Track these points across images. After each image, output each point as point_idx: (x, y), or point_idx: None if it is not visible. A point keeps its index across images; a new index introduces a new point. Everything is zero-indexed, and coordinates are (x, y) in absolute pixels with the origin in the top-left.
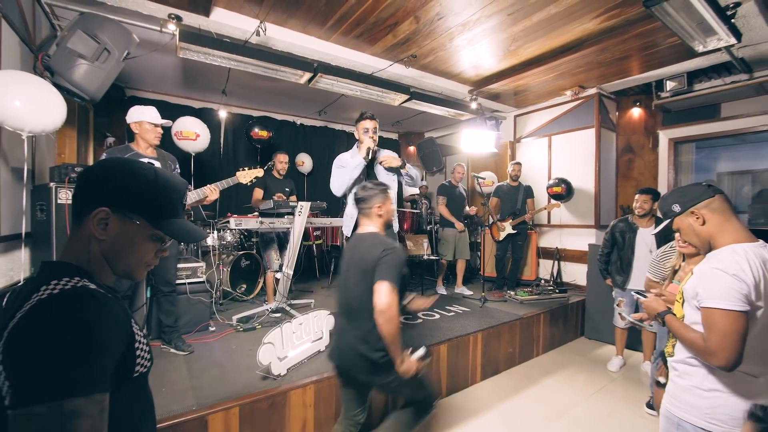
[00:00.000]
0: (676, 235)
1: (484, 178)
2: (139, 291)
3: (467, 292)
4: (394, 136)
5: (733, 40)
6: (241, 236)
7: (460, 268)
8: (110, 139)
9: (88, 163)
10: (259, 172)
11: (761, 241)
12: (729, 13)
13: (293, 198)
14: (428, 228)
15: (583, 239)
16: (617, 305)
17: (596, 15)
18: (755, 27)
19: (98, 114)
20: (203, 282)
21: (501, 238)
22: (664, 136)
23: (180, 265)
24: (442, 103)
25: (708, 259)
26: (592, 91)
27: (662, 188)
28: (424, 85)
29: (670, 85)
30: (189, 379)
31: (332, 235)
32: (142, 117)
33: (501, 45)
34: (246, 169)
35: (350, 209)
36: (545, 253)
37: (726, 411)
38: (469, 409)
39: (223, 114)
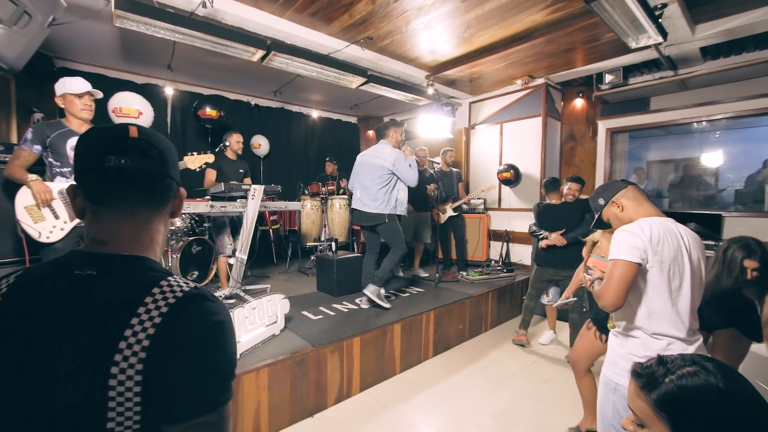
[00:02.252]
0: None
1: (438, 163)
2: None
3: (423, 273)
4: (353, 120)
5: (660, 39)
6: (192, 221)
7: (419, 250)
8: (37, 115)
9: (10, 140)
10: (209, 158)
11: (671, 219)
12: (657, 12)
13: (247, 180)
14: None
15: (530, 222)
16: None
17: (544, 7)
18: (679, 27)
19: (23, 87)
20: None
21: (443, 221)
22: (603, 126)
23: None
24: (400, 87)
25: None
26: (540, 81)
27: (599, 174)
28: (381, 69)
29: (608, 78)
30: None
31: (290, 220)
32: (65, 89)
33: (456, 31)
34: (195, 153)
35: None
36: (495, 235)
37: None
38: (420, 383)
39: (169, 91)
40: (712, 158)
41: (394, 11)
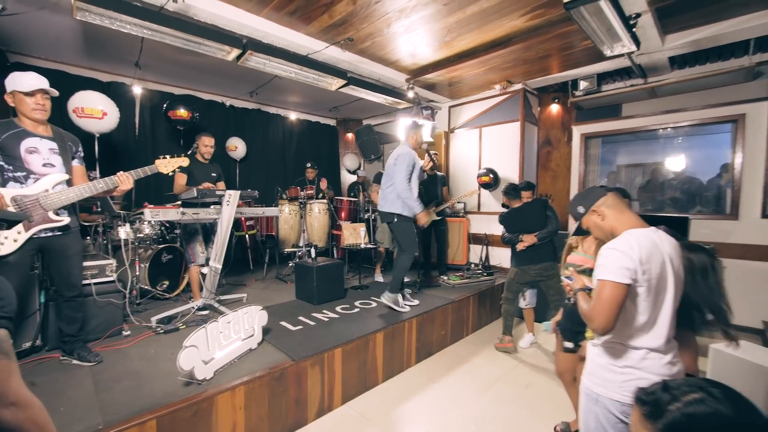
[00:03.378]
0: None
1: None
2: (30, 296)
3: (405, 279)
4: (332, 122)
5: (633, 47)
6: (162, 228)
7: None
8: None
9: None
10: (184, 161)
11: (653, 228)
12: (632, 22)
13: (221, 184)
14: (365, 216)
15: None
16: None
17: (523, 13)
18: (650, 37)
19: None
20: (113, 281)
21: (426, 225)
22: (577, 131)
23: (84, 264)
24: (380, 90)
25: (607, 243)
26: (518, 86)
27: (574, 178)
28: (361, 71)
29: (583, 84)
30: (95, 393)
31: (267, 225)
32: (14, 86)
33: (437, 35)
34: (168, 156)
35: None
36: (475, 239)
37: (637, 383)
38: (403, 393)
39: (137, 90)
40: (677, 163)
41: (375, 13)
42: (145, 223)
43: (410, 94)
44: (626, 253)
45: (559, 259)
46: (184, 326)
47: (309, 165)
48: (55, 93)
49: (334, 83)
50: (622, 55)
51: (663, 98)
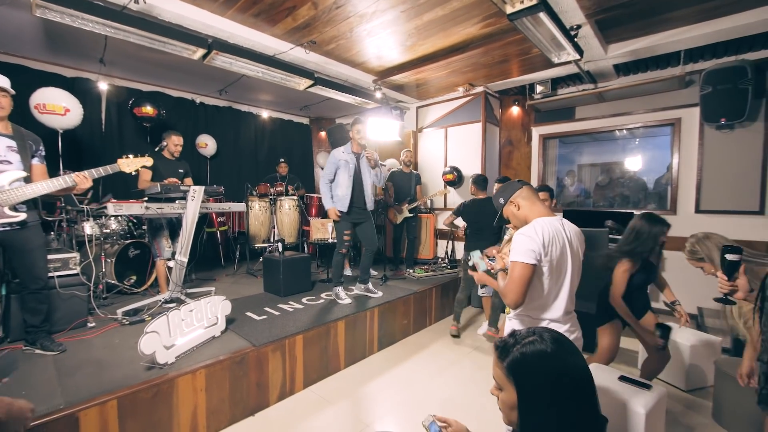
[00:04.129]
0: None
1: (385, 165)
2: None
3: (372, 272)
4: (305, 121)
5: (577, 56)
6: (129, 223)
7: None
8: None
9: None
10: (147, 161)
11: (559, 216)
12: (573, 33)
13: (188, 180)
14: None
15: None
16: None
17: (477, 21)
18: (593, 47)
19: None
20: (77, 274)
21: (399, 221)
22: (536, 133)
23: (48, 257)
24: (348, 90)
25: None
26: (480, 89)
27: (534, 177)
28: (328, 72)
29: (539, 88)
30: (57, 378)
31: (238, 221)
32: None
33: (399, 39)
34: (131, 156)
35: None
36: (441, 234)
37: None
38: (364, 377)
39: (103, 86)
40: (629, 162)
41: (337, 17)
42: (112, 218)
43: (378, 95)
44: (532, 238)
45: None
46: (150, 318)
47: (282, 160)
48: (12, 92)
49: (301, 83)
50: (569, 62)
51: (611, 102)
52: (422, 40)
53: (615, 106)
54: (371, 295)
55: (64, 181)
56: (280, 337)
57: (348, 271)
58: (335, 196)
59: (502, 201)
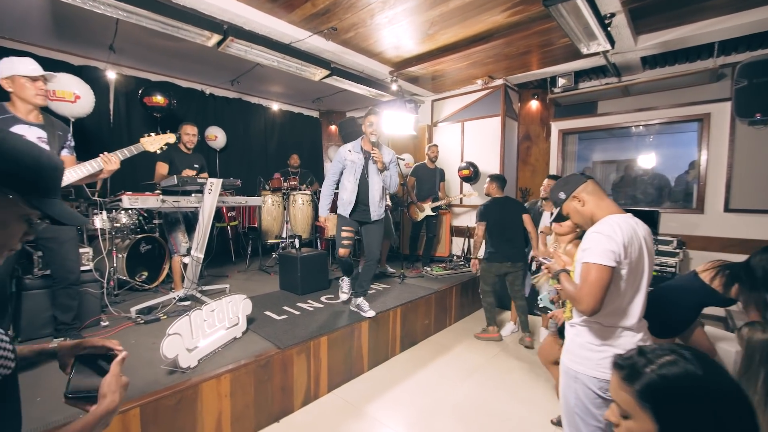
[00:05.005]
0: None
1: (404, 159)
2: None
3: (390, 270)
4: (315, 114)
5: (608, 46)
6: (140, 217)
7: (384, 248)
8: None
9: None
10: (170, 138)
11: (629, 214)
12: (607, 21)
13: (204, 175)
14: None
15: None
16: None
17: (504, 8)
18: (624, 37)
19: None
20: (90, 270)
21: (420, 219)
22: (555, 127)
23: None
24: (364, 81)
25: (590, 228)
26: (499, 82)
27: (552, 173)
28: (345, 62)
29: (561, 81)
30: None
31: (249, 216)
32: (14, 70)
33: (420, 27)
34: (153, 134)
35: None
36: (458, 232)
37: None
38: (388, 380)
39: (111, 75)
40: (647, 160)
41: (359, 3)
42: (122, 212)
43: (394, 87)
44: (611, 237)
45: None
46: (165, 317)
47: (293, 152)
48: (55, 77)
49: (317, 73)
50: (597, 54)
51: (636, 97)
52: (445, 28)
53: (640, 100)
54: (362, 313)
55: (90, 166)
56: (305, 338)
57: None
58: (339, 199)
59: (562, 196)
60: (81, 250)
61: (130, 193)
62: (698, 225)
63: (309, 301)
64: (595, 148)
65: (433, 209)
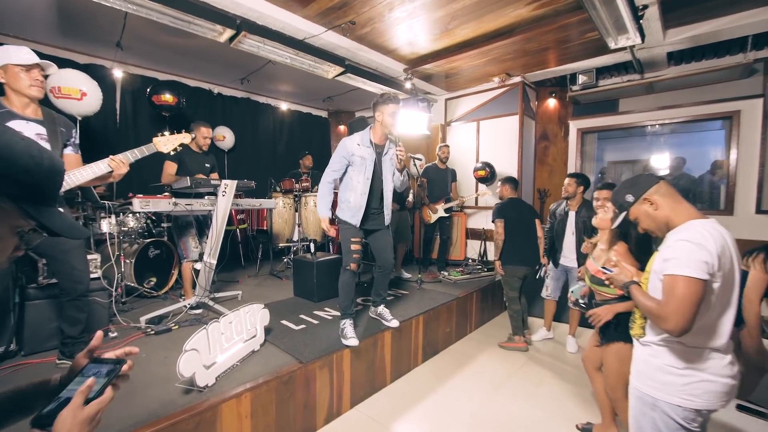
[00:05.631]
0: (600, 211)
1: (420, 159)
2: (4, 295)
3: (406, 275)
4: (324, 114)
5: (638, 40)
6: (148, 221)
7: (400, 251)
8: None
9: None
10: (186, 138)
11: (714, 219)
12: (640, 13)
13: (214, 176)
14: None
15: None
16: (545, 276)
17: (531, 1)
18: (654, 30)
19: None
20: (98, 278)
21: (433, 221)
22: (574, 126)
23: None
24: (378, 79)
25: (671, 234)
26: (517, 79)
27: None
28: (359, 59)
29: (581, 78)
30: None
31: (258, 219)
32: (8, 59)
33: (439, 22)
34: (167, 133)
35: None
36: (473, 234)
37: (701, 386)
38: (412, 394)
39: (118, 74)
40: (664, 159)
41: None
42: (130, 215)
43: (408, 85)
44: (702, 246)
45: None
46: (176, 327)
47: (307, 152)
48: (54, 68)
49: (330, 71)
50: (624, 49)
51: (659, 94)
52: (465, 23)
53: (663, 98)
54: (385, 322)
55: (98, 168)
56: (327, 351)
57: (405, 274)
58: (344, 203)
59: (630, 198)
60: (88, 257)
61: (141, 195)
62: (727, 227)
63: (326, 308)
64: (613, 148)
65: (445, 210)
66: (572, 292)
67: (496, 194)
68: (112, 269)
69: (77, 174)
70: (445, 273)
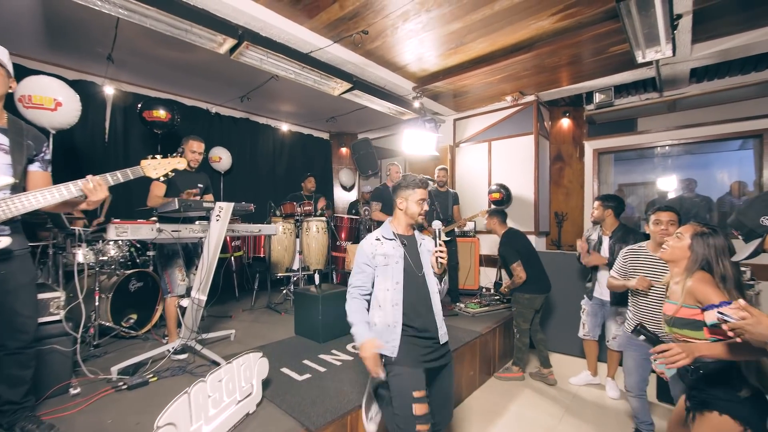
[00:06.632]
0: (667, 238)
1: (434, 181)
2: None
3: None
4: (325, 136)
5: (669, 53)
6: (132, 249)
7: None
8: None
9: None
10: (180, 163)
11: None
12: (675, 23)
13: (208, 197)
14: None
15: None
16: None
17: (555, 12)
18: (683, 44)
19: None
20: (60, 321)
21: None
22: (589, 147)
23: None
24: (386, 97)
25: None
26: (531, 98)
27: (588, 196)
28: (367, 75)
29: (598, 97)
30: None
31: (255, 245)
32: None
33: (454, 35)
34: (158, 156)
35: None
36: (487, 261)
37: None
38: None
39: (109, 90)
40: (679, 181)
41: (392, 4)
42: (111, 243)
43: (416, 104)
44: None
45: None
46: (155, 378)
47: (310, 174)
48: (8, 67)
49: (337, 87)
50: (650, 64)
51: (679, 113)
52: (482, 36)
53: (685, 116)
54: None
55: (67, 190)
56: (341, 412)
57: None
58: (372, 325)
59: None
60: (48, 296)
61: (118, 221)
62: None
63: (333, 351)
64: (628, 170)
65: (447, 234)
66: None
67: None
68: (80, 309)
69: (38, 196)
70: (461, 305)
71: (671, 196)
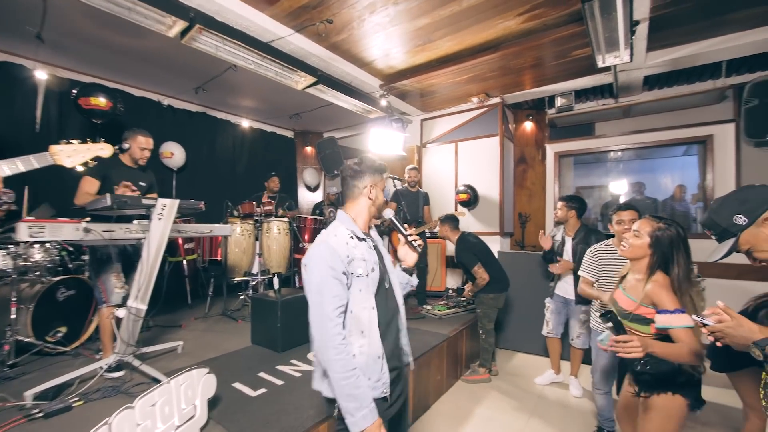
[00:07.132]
0: (626, 235)
1: (400, 180)
2: None
3: None
4: (290, 134)
5: (627, 58)
6: (63, 252)
7: None
8: None
9: None
10: (105, 150)
11: None
12: (633, 29)
13: (153, 195)
14: None
15: (490, 246)
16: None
17: (521, 12)
18: (639, 51)
19: None
20: None
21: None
22: (551, 150)
23: None
24: (352, 94)
25: None
26: (496, 100)
27: (549, 198)
28: (332, 70)
29: (560, 101)
30: None
31: (211, 248)
32: None
33: (422, 32)
34: (74, 142)
35: None
36: (454, 262)
37: None
38: None
39: (41, 75)
40: (629, 184)
41: None
42: (36, 246)
43: (383, 102)
44: None
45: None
46: (81, 402)
47: (274, 173)
48: None
49: (301, 81)
50: (609, 69)
51: (633, 118)
52: (450, 34)
53: (638, 122)
54: None
55: None
56: (299, 431)
57: None
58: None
59: (741, 221)
60: None
61: (31, 218)
62: (704, 251)
63: (293, 361)
64: (586, 173)
65: (418, 235)
66: (601, 341)
67: (475, 213)
68: None
69: None
70: (428, 307)
71: (623, 199)
